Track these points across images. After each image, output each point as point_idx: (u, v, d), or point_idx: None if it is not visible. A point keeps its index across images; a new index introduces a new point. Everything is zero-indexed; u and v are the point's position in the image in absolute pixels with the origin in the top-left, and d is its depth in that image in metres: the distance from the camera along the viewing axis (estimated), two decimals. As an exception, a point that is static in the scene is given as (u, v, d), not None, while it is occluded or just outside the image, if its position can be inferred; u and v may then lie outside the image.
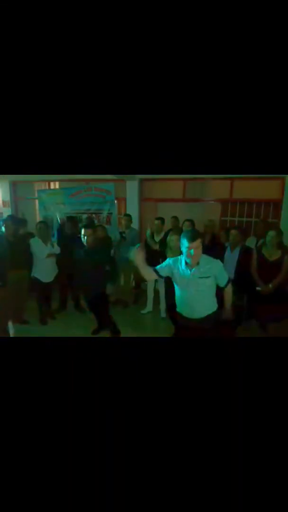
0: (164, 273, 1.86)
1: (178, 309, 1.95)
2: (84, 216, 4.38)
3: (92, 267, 2.62)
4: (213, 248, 3.09)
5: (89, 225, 2.88)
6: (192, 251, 1.68)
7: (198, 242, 1.69)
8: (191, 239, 1.68)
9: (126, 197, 4.49)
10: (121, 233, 3.69)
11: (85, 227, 2.70)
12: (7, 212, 4.90)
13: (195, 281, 1.77)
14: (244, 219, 4.31)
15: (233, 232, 2.86)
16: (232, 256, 2.84)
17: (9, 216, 4.02)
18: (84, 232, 2.62)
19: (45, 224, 3.37)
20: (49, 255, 3.11)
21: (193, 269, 1.76)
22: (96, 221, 4.32)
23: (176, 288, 1.90)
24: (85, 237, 2.61)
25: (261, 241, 2.98)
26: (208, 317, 1.84)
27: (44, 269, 3.16)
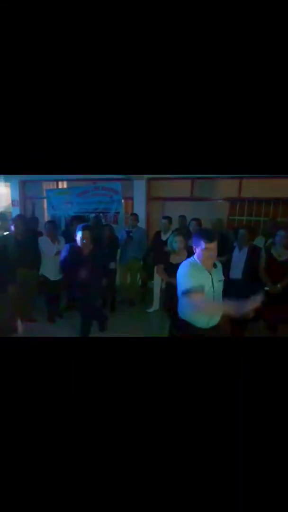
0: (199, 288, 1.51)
1: (189, 319, 1.65)
2: (92, 215, 4.41)
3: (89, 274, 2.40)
4: (221, 247, 3.06)
5: (87, 227, 2.55)
6: (211, 253, 1.53)
7: (216, 243, 1.55)
8: (211, 239, 1.52)
9: (133, 196, 4.49)
10: (127, 232, 3.70)
11: (83, 229, 2.42)
12: (15, 211, 4.97)
13: (214, 286, 1.60)
14: (253, 218, 4.25)
15: (241, 231, 2.82)
16: (240, 255, 2.81)
17: (18, 215, 4.08)
18: (82, 235, 2.38)
19: (54, 223, 3.41)
20: (58, 253, 3.14)
21: (212, 273, 1.60)
22: (103, 221, 4.34)
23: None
24: (84, 241, 2.38)
25: (269, 240, 2.94)
26: (219, 324, 1.70)
27: (52, 267, 3.19)
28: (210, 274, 1.60)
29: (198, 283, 1.51)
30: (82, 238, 2.38)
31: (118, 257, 3.70)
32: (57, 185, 5.14)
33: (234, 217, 4.35)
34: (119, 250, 3.69)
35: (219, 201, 4.36)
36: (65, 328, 3.14)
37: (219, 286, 1.64)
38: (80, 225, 2.48)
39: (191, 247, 3.20)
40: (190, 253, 2.35)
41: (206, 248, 1.53)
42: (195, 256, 1.63)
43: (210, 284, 1.59)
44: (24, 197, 5.25)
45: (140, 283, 4.02)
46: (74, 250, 2.43)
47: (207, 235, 1.55)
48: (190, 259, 1.65)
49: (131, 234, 3.66)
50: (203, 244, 1.53)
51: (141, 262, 3.82)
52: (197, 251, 1.57)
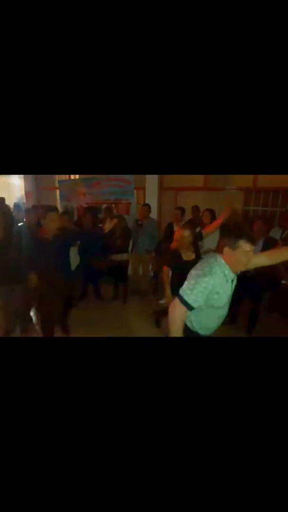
0: (200, 303, 1.26)
1: (197, 330, 1.43)
2: (104, 206, 4.40)
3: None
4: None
5: (50, 208, 2.12)
6: (248, 257, 1.25)
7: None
8: (253, 241, 1.25)
9: (145, 186, 4.44)
10: (136, 220, 3.66)
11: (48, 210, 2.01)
12: (29, 202, 5.03)
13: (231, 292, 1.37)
14: (269, 208, 4.11)
15: (258, 222, 2.73)
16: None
17: (33, 206, 4.14)
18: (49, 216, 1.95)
19: (68, 214, 3.44)
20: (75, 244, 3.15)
21: (234, 279, 1.35)
22: (115, 211, 4.33)
23: (205, 308, 1.32)
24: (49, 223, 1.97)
25: (286, 232, 2.84)
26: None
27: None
28: (232, 281, 1.34)
29: (219, 292, 1.27)
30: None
31: (130, 248, 3.70)
32: (69, 176, 5.14)
33: (249, 207, 4.23)
34: (131, 241, 3.68)
35: (233, 191, 4.23)
36: (76, 317, 3.21)
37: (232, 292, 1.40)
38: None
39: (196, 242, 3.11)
40: (196, 249, 2.29)
41: (245, 252, 1.22)
42: (220, 256, 1.30)
43: (229, 293, 1.35)
44: (38, 188, 5.29)
45: (152, 274, 4.02)
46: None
47: (248, 236, 1.24)
48: (213, 266, 1.28)
49: (140, 222, 3.62)
50: (243, 246, 1.22)
51: (153, 254, 3.81)
52: (229, 251, 1.25)
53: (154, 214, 4.07)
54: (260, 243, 2.70)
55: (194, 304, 1.24)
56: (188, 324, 1.43)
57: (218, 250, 1.32)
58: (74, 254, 3.28)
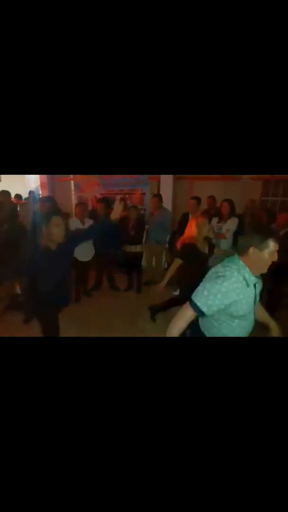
0: (213, 310, 1.11)
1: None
2: (118, 196, 4.38)
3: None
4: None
5: (54, 211, 1.88)
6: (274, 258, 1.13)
7: None
8: (274, 239, 1.11)
9: (160, 176, 4.35)
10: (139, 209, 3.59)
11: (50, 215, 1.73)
12: (44, 193, 5.08)
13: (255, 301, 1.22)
14: (289, 199, 3.94)
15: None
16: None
17: (47, 196, 4.17)
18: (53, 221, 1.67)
19: (83, 205, 3.45)
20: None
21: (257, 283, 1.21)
22: (129, 202, 4.29)
23: (222, 317, 1.18)
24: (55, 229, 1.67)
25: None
26: None
27: (82, 248, 3.26)
28: (255, 285, 1.19)
29: (238, 299, 1.12)
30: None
31: (144, 239, 3.67)
32: (83, 166, 5.12)
33: (268, 197, 4.07)
34: (144, 233, 3.65)
35: (250, 180, 4.08)
36: (90, 308, 3.25)
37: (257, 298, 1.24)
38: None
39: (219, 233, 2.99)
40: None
41: (272, 252, 1.10)
42: (238, 258, 1.16)
43: (252, 299, 1.18)
44: (52, 179, 5.32)
45: (165, 265, 3.99)
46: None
47: (270, 234, 1.11)
48: (233, 270, 1.13)
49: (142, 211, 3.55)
50: (271, 246, 1.09)
51: (166, 245, 3.76)
52: (255, 252, 1.10)
53: (168, 204, 4.00)
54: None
55: (205, 309, 1.09)
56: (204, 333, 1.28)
57: (238, 252, 1.18)
58: (89, 245, 3.30)
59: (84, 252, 3.29)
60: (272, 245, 1.10)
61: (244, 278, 1.13)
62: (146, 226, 3.63)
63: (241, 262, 1.15)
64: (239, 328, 1.20)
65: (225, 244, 3.09)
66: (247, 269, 1.14)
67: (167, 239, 3.74)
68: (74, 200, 4.90)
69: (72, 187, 5.00)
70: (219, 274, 1.12)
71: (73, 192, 4.99)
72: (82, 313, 3.09)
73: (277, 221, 2.66)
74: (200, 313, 1.11)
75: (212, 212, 3.40)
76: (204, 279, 1.19)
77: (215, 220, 3.20)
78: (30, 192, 4.16)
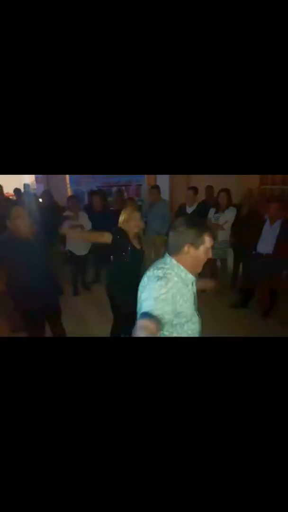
0: (166, 315, 0.96)
1: None
2: (114, 189, 4.32)
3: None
4: (251, 221, 2.86)
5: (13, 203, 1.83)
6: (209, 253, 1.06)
7: None
8: (210, 234, 1.04)
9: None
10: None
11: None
12: (40, 187, 5.02)
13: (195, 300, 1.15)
14: (287, 187, 3.89)
15: (273, 205, 2.58)
16: (271, 230, 2.61)
17: (44, 191, 4.13)
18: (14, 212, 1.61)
19: (76, 198, 3.42)
20: (73, 225, 2.99)
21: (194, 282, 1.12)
22: (125, 194, 4.24)
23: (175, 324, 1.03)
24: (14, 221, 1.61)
25: (307, 212, 2.67)
26: None
27: (77, 243, 3.24)
28: (193, 284, 1.08)
29: (180, 300, 0.99)
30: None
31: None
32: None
33: (266, 186, 4.01)
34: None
35: (249, 169, 4.01)
36: (90, 302, 3.26)
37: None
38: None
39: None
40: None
41: (207, 249, 1.01)
42: (170, 257, 1.04)
43: (193, 299, 1.08)
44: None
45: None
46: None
47: (207, 227, 1.02)
48: (168, 260, 1.03)
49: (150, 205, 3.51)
50: (207, 241, 1.00)
51: (165, 237, 3.74)
52: (190, 249, 1.00)
53: (165, 196, 3.95)
54: (278, 224, 2.57)
55: (161, 316, 0.92)
56: None
57: (169, 251, 1.05)
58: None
59: (80, 246, 3.28)
60: (208, 241, 1.00)
61: (182, 278, 1.01)
62: (144, 219, 3.59)
63: (174, 261, 1.02)
64: (190, 332, 1.07)
65: (223, 235, 3.06)
66: (182, 267, 1.02)
67: (166, 230, 3.71)
68: (70, 193, 4.85)
69: (68, 181, 4.93)
70: (159, 276, 0.98)
71: (68, 186, 4.93)
72: (81, 306, 3.10)
73: (269, 211, 2.61)
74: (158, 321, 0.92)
75: (211, 202, 3.36)
76: (142, 287, 1.06)
77: (212, 211, 3.16)
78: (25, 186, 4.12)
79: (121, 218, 1.93)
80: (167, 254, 1.06)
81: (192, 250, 0.99)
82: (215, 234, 3.02)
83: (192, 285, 1.08)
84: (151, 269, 1.06)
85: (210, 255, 1.03)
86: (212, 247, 1.04)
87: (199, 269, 1.05)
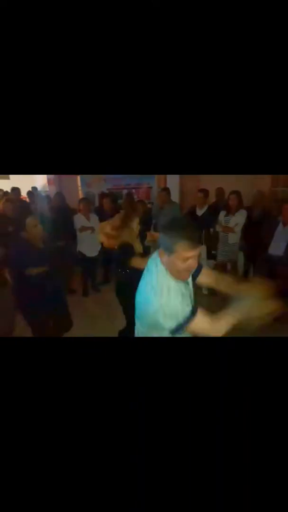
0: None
1: None
2: (125, 191, 4.35)
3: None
4: (263, 223, 2.82)
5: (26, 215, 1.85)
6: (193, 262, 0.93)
7: None
8: (196, 242, 0.93)
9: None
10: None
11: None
12: (52, 190, 5.11)
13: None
14: (300, 189, 3.81)
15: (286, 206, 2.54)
16: (284, 232, 2.57)
17: (57, 193, 4.20)
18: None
19: (86, 199, 3.46)
20: (83, 228, 3.15)
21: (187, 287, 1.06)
22: (135, 197, 4.26)
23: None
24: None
25: None
26: None
27: (89, 244, 3.28)
28: (187, 288, 1.01)
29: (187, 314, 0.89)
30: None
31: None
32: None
33: (278, 188, 3.94)
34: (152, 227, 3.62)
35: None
36: (99, 302, 3.28)
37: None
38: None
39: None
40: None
41: (183, 259, 0.87)
42: (163, 261, 0.94)
43: (189, 301, 0.98)
44: (59, 175, 5.34)
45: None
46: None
47: (192, 237, 0.88)
48: (158, 261, 0.96)
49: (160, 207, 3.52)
50: (182, 251, 0.86)
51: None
52: (164, 256, 0.92)
53: (176, 198, 3.95)
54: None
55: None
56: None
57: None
58: (95, 240, 3.32)
59: (91, 247, 3.31)
60: (183, 251, 0.85)
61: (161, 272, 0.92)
62: (153, 221, 3.60)
63: (159, 261, 0.95)
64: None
65: (233, 238, 3.03)
66: (166, 272, 0.92)
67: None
68: (81, 195, 4.91)
69: (79, 183, 5.00)
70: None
71: (80, 188, 5.00)
72: (91, 307, 3.13)
73: (283, 213, 2.57)
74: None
75: (221, 205, 3.33)
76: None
77: (223, 213, 3.13)
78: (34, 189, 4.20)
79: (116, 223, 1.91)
80: (157, 251, 0.99)
81: (165, 258, 0.91)
82: (225, 237, 2.99)
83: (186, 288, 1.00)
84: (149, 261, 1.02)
85: (194, 266, 0.91)
86: (199, 256, 0.93)
87: (182, 278, 0.93)
